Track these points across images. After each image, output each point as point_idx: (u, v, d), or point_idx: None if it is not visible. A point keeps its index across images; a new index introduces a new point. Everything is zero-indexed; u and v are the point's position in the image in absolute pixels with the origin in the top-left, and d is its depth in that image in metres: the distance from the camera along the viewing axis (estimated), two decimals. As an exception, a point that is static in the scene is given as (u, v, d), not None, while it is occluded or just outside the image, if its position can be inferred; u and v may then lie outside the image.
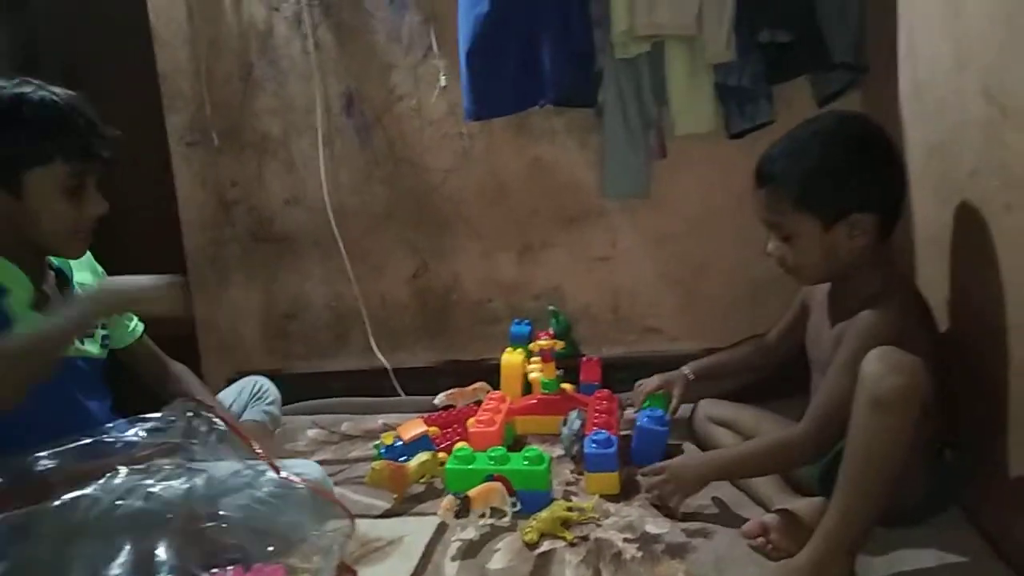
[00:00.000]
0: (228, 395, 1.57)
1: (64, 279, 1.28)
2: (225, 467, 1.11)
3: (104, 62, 2.07)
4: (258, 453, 1.11)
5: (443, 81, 1.96)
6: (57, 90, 1.16)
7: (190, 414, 1.13)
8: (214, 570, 0.96)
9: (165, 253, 2.19)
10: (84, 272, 1.33)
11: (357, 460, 1.68)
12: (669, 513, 1.29)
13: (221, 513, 1.04)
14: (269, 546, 1.03)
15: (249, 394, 1.58)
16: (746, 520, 1.22)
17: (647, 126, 1.81)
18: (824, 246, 1.18)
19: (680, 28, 1.67)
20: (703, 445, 1.54)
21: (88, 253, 1.32)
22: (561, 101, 1.81)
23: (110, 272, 1.39)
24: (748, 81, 1.74)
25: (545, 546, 1.24)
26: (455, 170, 2.04)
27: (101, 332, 1.33)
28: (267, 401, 1.58)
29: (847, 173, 1.15)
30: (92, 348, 1.27)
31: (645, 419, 1.51)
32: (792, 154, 1.19)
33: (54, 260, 1.27)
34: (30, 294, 1.17)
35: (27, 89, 1.13)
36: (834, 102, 1.80)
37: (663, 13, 1.65)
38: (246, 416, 1.54)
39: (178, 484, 1.04)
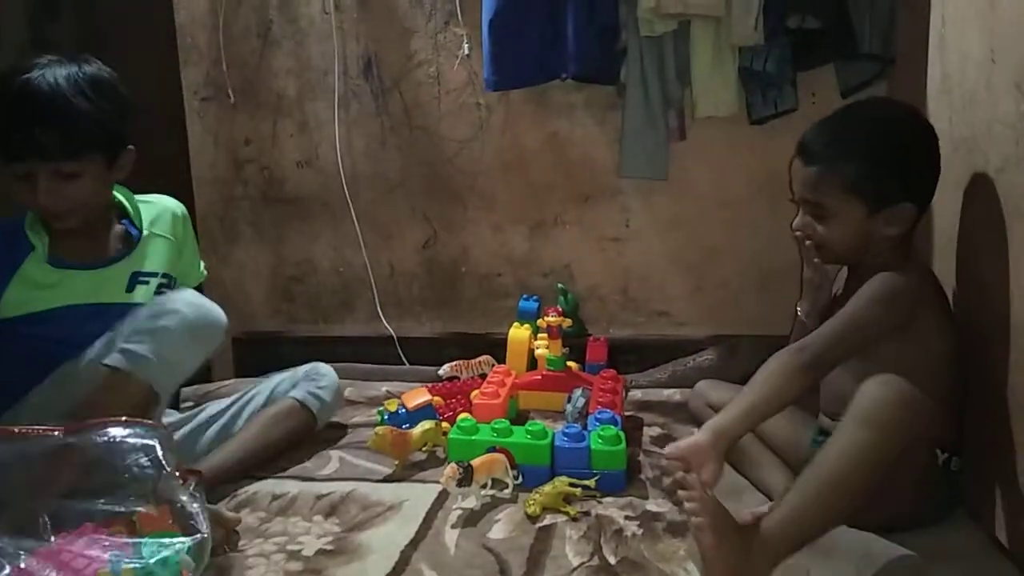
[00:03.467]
0: (279, 376, 1.60)
1: (129, 233, 1.40)
2: None
3: (122, 11, 2.05)
4: (26, 431, 1.05)
5: (466, 49, 1.93)
6: (41, 80, 1.21)
7: None
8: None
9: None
10: (161, 220, 1.45)
11: (359, 425, 1.68)
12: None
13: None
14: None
15: (303, 375, 1.58)
16: (748, 505, 1.22)
17: (668, 106, 1.79)
18: (862, 231, 1.18)
19: (708, 8, 1.64)
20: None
21: (162, 197, 1.49)
22: (583, 76, 1.79)
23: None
24: (773, 66, 1.72)
25: (546, 520, 1.24)
26: (471, 141, 2.02)
27: (159, 281, 1.39)
28: (318, 384, 1.57)
29: (903, 162, 1.16)
30: (143, 297, 1.37)
31: (563, 437, 1.38)
32: (848, 137, 1.18)
33: (127, 205, 1.41)
34: (46, 249, 1.30)
35: (17, 78, 1.22)
36: (859, 92, 1.78)
37: (692, -9, 1.63)
38: (292, 394, 1.54)
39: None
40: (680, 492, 1.01)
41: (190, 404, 1.71)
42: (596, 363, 1.81)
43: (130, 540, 0.89)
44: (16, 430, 1.01)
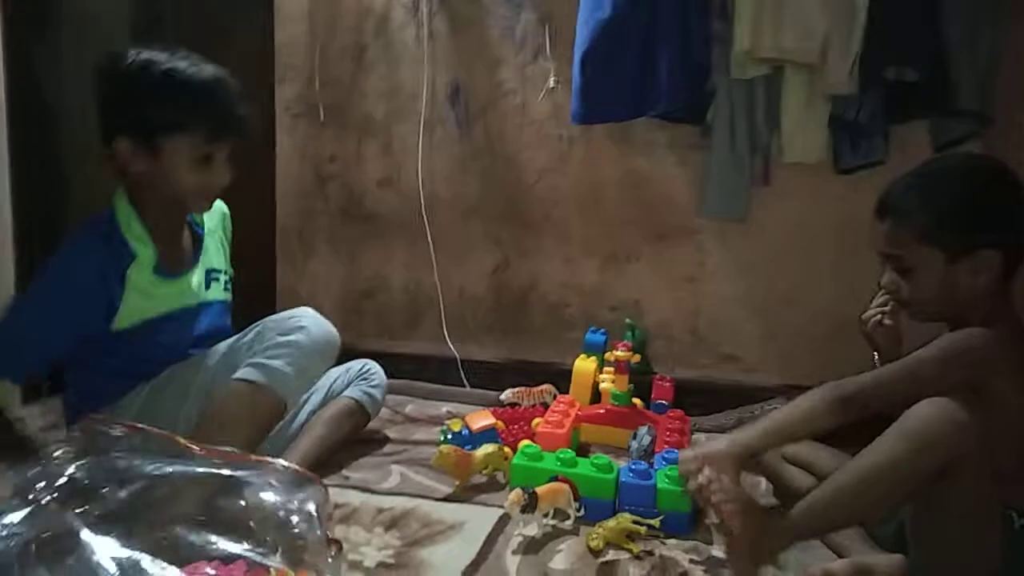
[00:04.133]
0: (335, 372, 1.62)
1: (196, 233, 1.41)
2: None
3: (223, 29, 2.15)
4: (190, 448, 1.07)
5: (551, 83, 1.96)
6: (208, 67, 1.27)
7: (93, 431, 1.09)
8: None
9: (257, 218, 2.25)
10: (214, 218, 1.46)
11: (420, 443, 1.69)
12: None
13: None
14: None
15: (356, 373, 1.63)
16: (816, 558, 1.18)
17: (754, 150, 1.78)
18: (945, 281, 1.15)
19: (803, 55, 1.64)
20: (774, 483, 1.49)
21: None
22: (670, 114, 1.80)
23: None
24: (865, 117, 1.69)
25: (609, 555, 1.22)
26: (550, 171, 2.04)
27: (225, 277, 1.44)
28: (371, 383, 1.62)
29: (977, 207, 1.14)
30: (218, 294, 1.42)
31: (629, 473, 1.36)
32: (922, 186, 1.18)
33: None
34: (153, 260, 1.30)
35: (181, 63, 1.25)
36: (952, 148, 1.74)
37: (788, 37, 1.62)
38: (346, 393, 1.58)
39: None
40: (709, 489, 1.09)
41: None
42: (662, 402, 1.78)
43: None
44: (190, 446, 1.03)
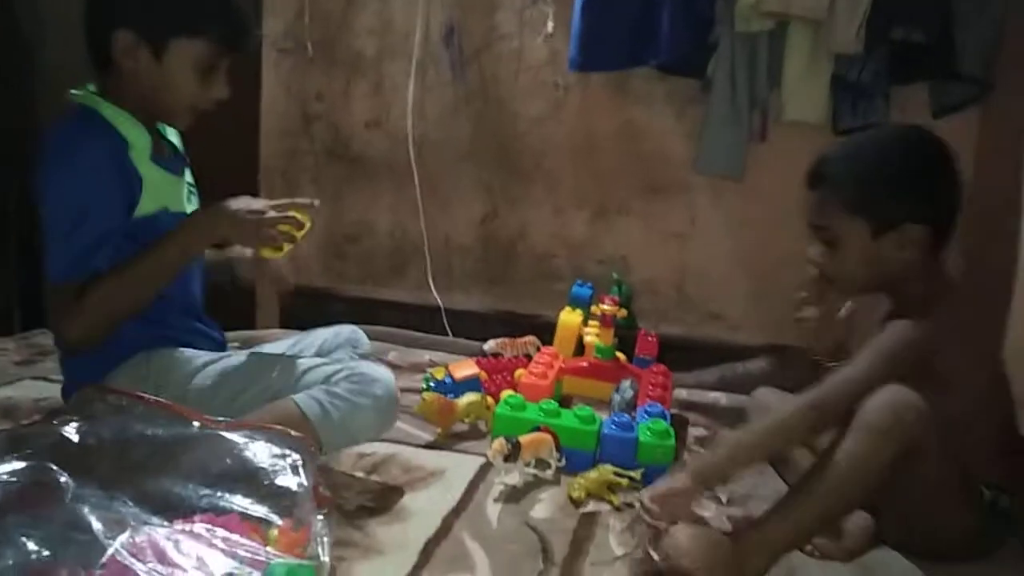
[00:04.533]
0: (323, 333, 1.58)
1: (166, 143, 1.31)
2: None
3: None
4: (188, 414, 1.06)
5: (550, 27, 1.91)
6: None
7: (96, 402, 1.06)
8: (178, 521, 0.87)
9: (239, 155, 2.19)
10: (173, 136, 1.35)
11: (401, 390, 1.67)
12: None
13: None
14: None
15: (345, 338, 1.59)
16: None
17: (753, 106, 1.75)
18: (869, 255, 1.13)
19: (810, 11, 1.60)
20: None
21: None
22: (670, 66, 1.76)
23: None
24: (868, 77, 1.67)
25: (590, 506, 1.22)
26: (544, 119, 2.00)
27: (196, 195, 1.35)
28: (359, 350, 1.58)
29: (904, 180, 1.12)
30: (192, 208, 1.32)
31: (611, 425, 1.35)
32: (848, 157, 1.16)
33: None
34: (149, 146, 1.21)
35: None
36: (951, 115, 1.72)
37: (796, -9, 1.58)
38: (334, 355, 1.53)
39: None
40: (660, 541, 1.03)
41: (236, 346, 1.72)
42: (646, 357, 1.78)
43: (261, 555, 0.85)
44: (185, 413, 1.02)
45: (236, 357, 1.27)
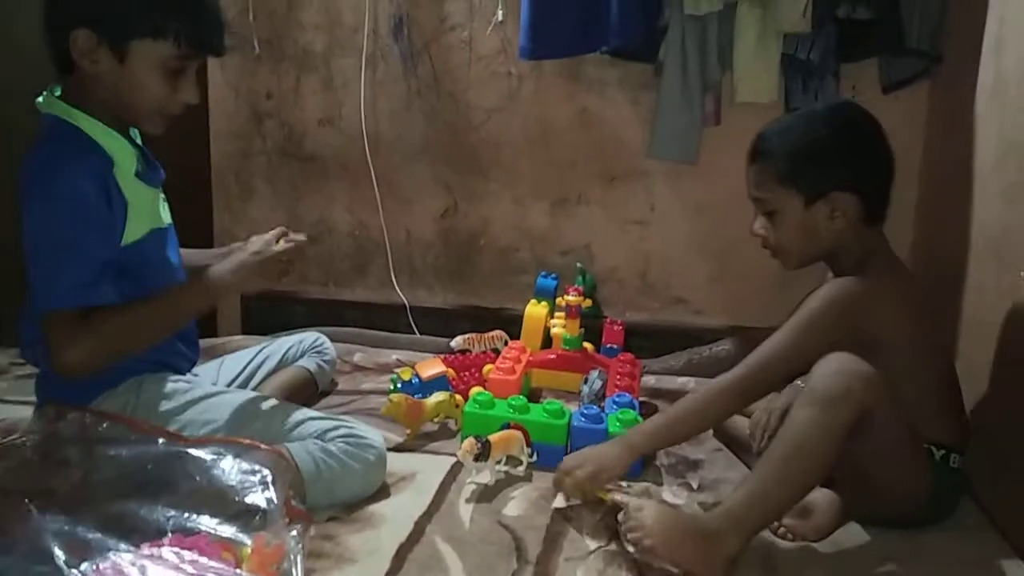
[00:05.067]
0: (287, 342, 1.57)
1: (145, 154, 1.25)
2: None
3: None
4: (153, 430, 1.06)
5: (500, 16, 1.88)
6: None
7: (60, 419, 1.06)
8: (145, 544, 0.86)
9: (190, 158, 2.14)
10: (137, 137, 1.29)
11: (369, 392, 1.66)
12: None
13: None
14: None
15: (310, 346, 1.59)
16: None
17: (706, 89, 1.75)
18: (805, 225, 1.18)
19: (758, -10, 1.60)
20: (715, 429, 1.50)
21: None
22: (622, 51, 1.75)
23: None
24: (817, 56, 1.67)
25: (562, 502, 1.22)
26: (499, 111, 1.98)
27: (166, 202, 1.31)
28: (324, 357, 1.59)
29: (829, 151, 1.17)
30: (168, 218, 1.29)
31: (580, 418, 1.36)
32: (781, 132, 1.21)
33: None
34: (134, 162, 1.16)
35: None
36: (901, 89, 1.74)
37: (742, -28, 1.58)
38: (301, 363, 1.55)
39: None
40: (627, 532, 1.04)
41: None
42: (612, 346, 1.78)
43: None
44: (149, 429, 0.99)
45: (232, 396, 1.24)
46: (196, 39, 1.12)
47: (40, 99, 1.15)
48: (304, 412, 1.22)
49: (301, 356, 1.56)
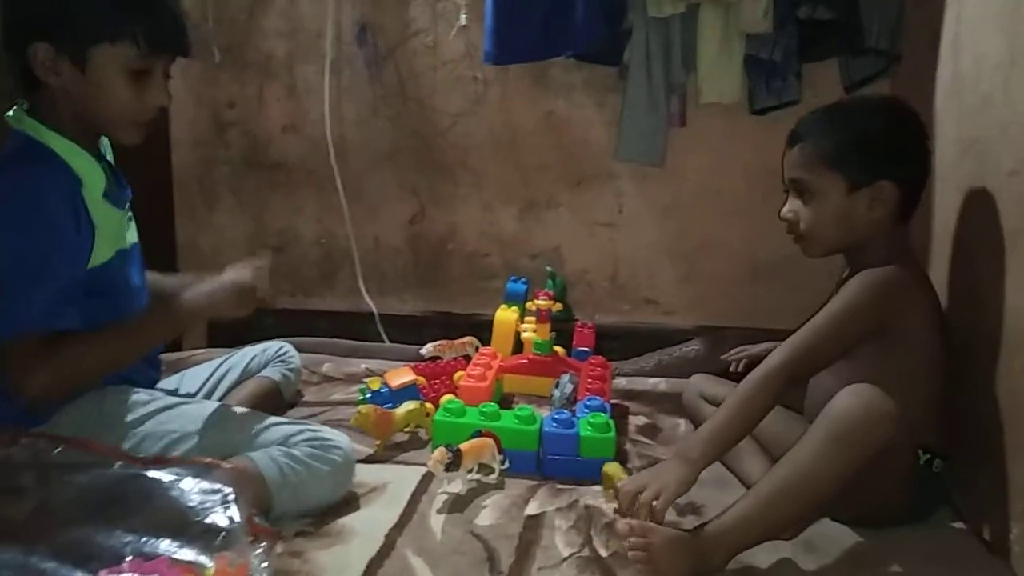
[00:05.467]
0: (251, 351, 1.54)
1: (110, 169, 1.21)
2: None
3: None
4: (109, 452, 1.03)
5: (463, 20, 1.87)
6: None
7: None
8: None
9: (152, 168, 2.09)
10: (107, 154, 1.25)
11: (339, 403, 1.64)
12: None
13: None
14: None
15: (274, 355, 1.55)
16: (732, 497, 1.20)
17: (670, 91, 1.76)
18: (843, 210, 1.18)
19: (719, -8, 1.61)
20: (695, 425, 1.51)
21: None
22: (586, 55, 1.75)
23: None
24: (779, 56, 1.69)
25: (534, 508, 1.21)
26: (465, 115, 1.97)
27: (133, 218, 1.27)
28: (288, 366, 1.55)
29: (882, 139, 1.17)
30: (134, 237, 1.26)
31: (551, 423, 1.34)
32: (831, 117, 1.22)
33: None
34: (103, 183, 1.13)
35: None
36: (862, 88, 1.76)
37: (703, -26, 1.59)
38: (265, 373, 1.51)
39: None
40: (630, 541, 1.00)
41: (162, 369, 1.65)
42: (583, 349, 1.78)
43: None
44: (101, 449, 0.96)
45: (194, 406, 1.21)
46: (155, 38, 1.08)
47: (10, 114, 1.12)
48: (267, 418, 1.20)
49: (265, 366, 1.53)
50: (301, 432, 1.16)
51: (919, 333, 1.14)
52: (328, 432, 1.18)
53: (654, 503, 1.03)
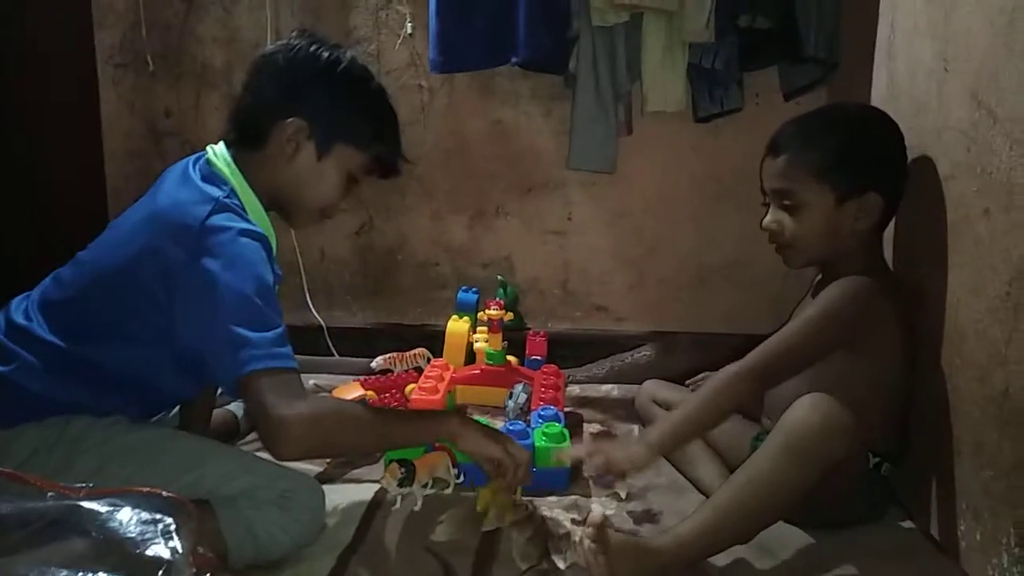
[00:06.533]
0: None
1: None
2: None
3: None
4: (41, 483, 0.94)
5: (409, 28, 1.85)
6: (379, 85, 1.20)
7: None
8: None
9: (85, 181, 2.01)
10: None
11: (286, 420, 1.58)
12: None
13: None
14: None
15: None
16: (688, 503, 1.21)
17: (618, 99, 1.76)
18: (830, 222, 1.17)
19: (661, 2, 1.62)
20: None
21: None
22: (532, 63, 1.74)
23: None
24: (721, 64, 1.71)
25: (492, 523, 1.18)
26: (411, 124, 1.94)
27: None
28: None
29: (868, 150, 1.18)
30: None
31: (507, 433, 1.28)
32: (820, 126, 1.20)
33: None
34: (274, 247, 1.15)
35: (379, 85, 1.19)
36: (801, 95, 1.80)
37: (646, -17, 1.60)
38: (230, 407, 1.48)
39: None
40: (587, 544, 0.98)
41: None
42: (536, 358, 1.77)
43: None
44: (32, 481, 0.89)
45: (160, 438, 1.12)
46: (388, 161, 1.19)
47: (213, 151, 1.13)
48: (236, 462, 1.12)
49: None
50: (271, 486, 1.08)
51: (888, 343, 1.14)
52: (298, 485, 1.11)
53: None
